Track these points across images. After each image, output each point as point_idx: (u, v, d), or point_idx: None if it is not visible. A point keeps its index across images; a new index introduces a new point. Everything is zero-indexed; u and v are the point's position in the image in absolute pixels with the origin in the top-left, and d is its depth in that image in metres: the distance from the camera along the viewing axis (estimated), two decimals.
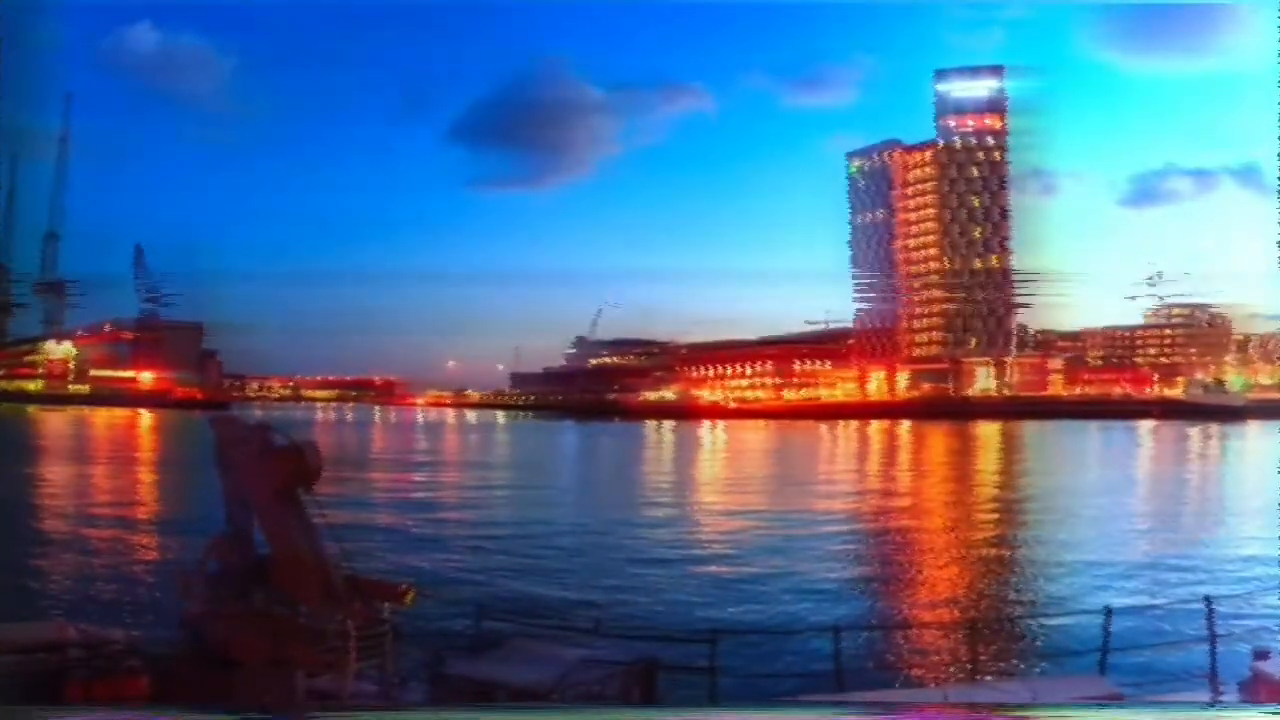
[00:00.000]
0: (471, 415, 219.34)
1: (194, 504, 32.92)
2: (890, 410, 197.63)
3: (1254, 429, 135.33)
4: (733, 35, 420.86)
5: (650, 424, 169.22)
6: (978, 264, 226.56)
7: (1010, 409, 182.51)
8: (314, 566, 11.61)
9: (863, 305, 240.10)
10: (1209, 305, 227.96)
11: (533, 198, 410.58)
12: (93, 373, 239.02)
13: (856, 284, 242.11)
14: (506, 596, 24.94)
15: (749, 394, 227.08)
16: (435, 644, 13.42)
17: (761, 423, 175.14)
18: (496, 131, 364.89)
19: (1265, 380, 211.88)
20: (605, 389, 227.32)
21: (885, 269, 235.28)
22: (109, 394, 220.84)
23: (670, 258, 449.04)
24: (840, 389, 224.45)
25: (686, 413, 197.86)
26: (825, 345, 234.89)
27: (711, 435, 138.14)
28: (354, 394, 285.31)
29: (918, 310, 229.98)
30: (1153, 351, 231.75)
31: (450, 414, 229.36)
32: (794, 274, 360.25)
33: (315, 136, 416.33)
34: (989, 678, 17.06)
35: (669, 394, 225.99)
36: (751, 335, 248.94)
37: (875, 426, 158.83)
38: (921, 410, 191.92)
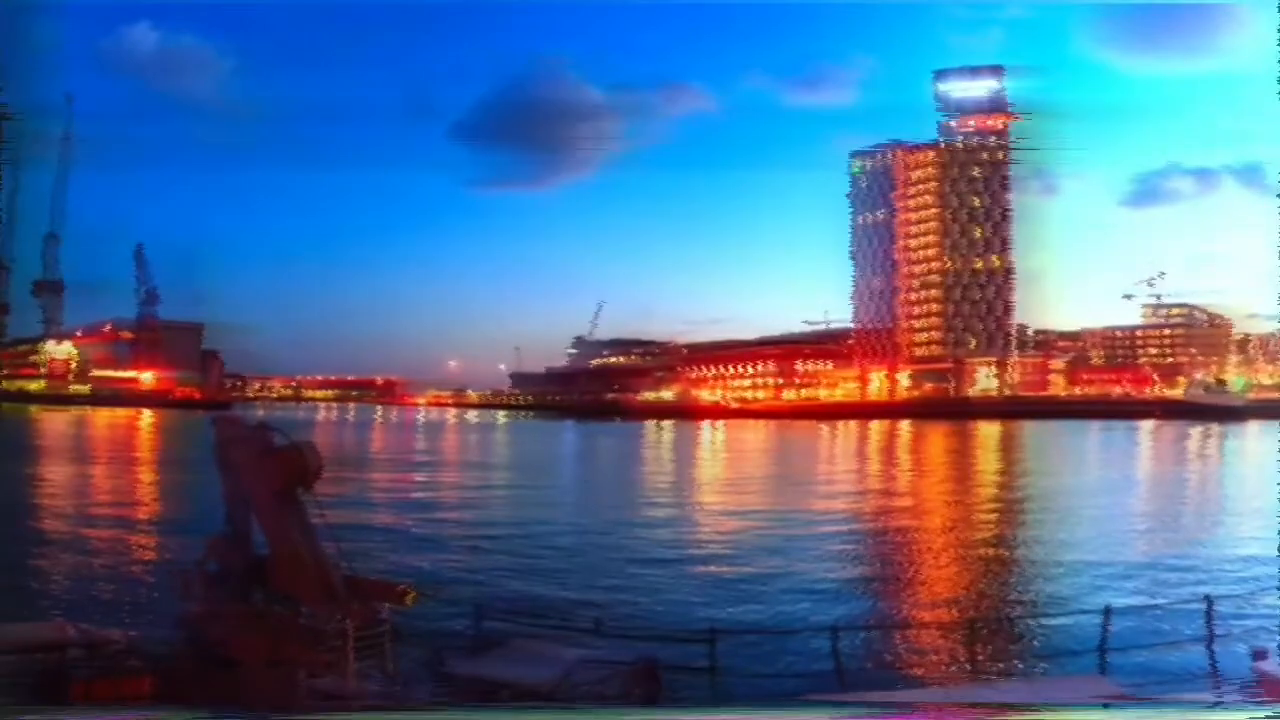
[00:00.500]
0: (472, 415, 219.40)
1: (194, 504, 32.94)
2: (890, 410, 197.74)
3: (1254, 429, 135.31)
4: (733, 35, 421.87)
5: (650, 424, 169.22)
6: (978, 264, 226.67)
7: (1010, 409, 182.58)
8: (314, 566, 11.62)
9: (863, 305, 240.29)
10: (1208, 305, 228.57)
11: (534, 197, 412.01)
12: (93, 373, 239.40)
13: (856, 284, 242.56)
14: (507, 596, 24.93)
15: (749, 394, 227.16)
16: (435, 644, 13.42)
17: (762, 423, 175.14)
18: (498, 132, 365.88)
19: (1266, 380, 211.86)
20: (605, 389, 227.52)
21: (886, 269, 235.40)
22: (110, 394, 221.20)
23: (670, 258, 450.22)
24: (841, 389, 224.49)
25: (687, 413, 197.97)
26: (826, 345, 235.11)
27: (712, 435, 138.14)
28: (355, 394, 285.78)
29: (918, 310, 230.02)
30: (1153, 351, 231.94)
31: (451, 414, 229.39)
32: (794, 274, 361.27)
33: (316, 137, 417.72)
34: (989, 678, 17.05)
35: (669, 394, 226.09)
36: (752, 335, 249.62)
37: (875, 426, 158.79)
38: (922, 410, 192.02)
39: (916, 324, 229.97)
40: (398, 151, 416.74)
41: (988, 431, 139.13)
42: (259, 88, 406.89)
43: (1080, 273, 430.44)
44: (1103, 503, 52.48)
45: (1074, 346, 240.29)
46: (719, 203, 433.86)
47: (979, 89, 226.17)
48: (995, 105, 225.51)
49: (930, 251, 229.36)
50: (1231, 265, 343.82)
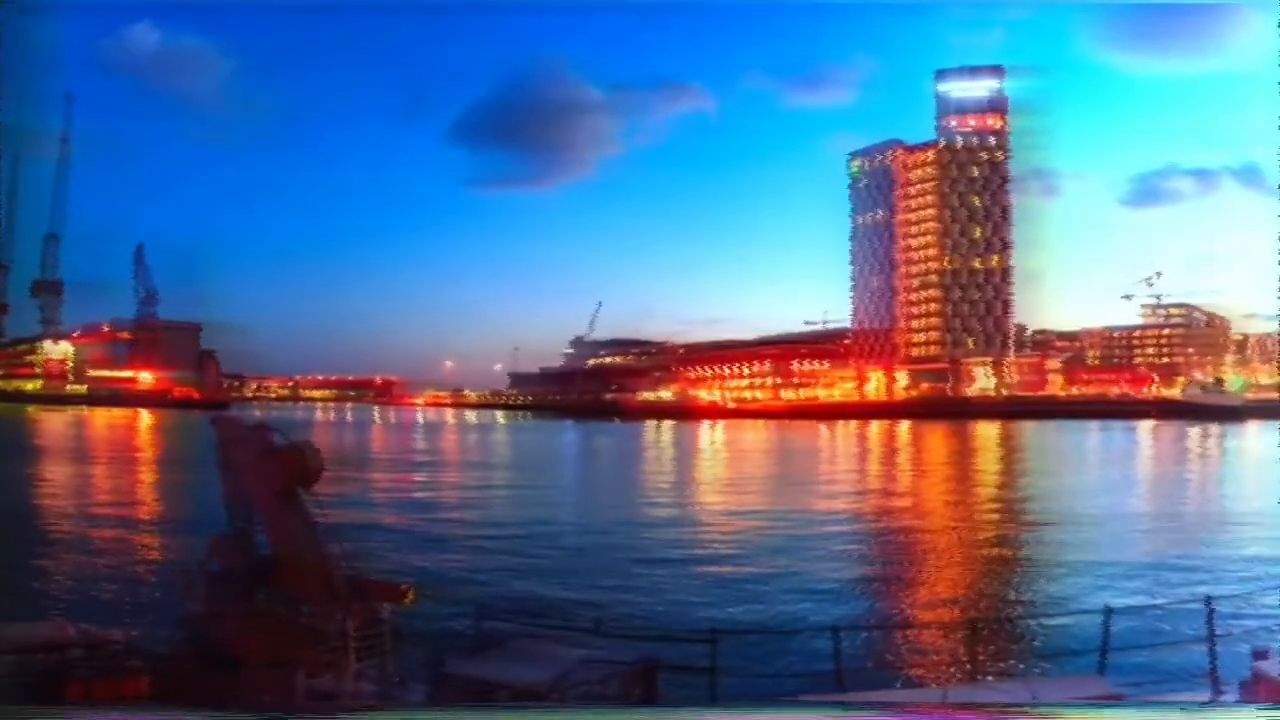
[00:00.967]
0: (471, 415, 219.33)
1: (193, 504, 32.94)
2: (889, 410, 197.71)
3: (1253, 429, 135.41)
4: (733, 35, 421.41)
5: (649, 424, 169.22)
6: (978, 264, 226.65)
7: (1009, 409, 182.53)
8: (315, 566, 11.62)
9: (862, 305, 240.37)
10: (1207, 305, 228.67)
11: (533, 198, 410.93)
12: (91, 373, 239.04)
13: (855, 284, 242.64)
14: (507, 596, 24.93)
15: (747, 394, 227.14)
16: (435, 644, 13.41)
17: (760, 423, 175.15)
18: (497, 131, 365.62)
19: (1264, 380, 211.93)
20: (604, 389, 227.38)
21: (885, 269, 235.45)
22: (107, 394, 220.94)
23: (669, 257, 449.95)
24: (839, 389, 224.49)
25: (685, 413, 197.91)
26: (824, 345, 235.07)
27: (710, 435, 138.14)
28: (353, 394, 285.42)
29: (917, 310, 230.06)
30: (1151, 351, 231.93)
31: (449, 414, 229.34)
32: (793, 274, 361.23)
33: (316, 137, 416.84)
34: (989, 678, 17.05)
35: (668, 394, 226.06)
36: (750, 335, 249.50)
37: (874, 427, 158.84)
38: (920, 410, 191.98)
39: (915, 324, 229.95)
40: (398, 151, 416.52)
41: (986, 432, 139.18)
42: (259, 88, 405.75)
43: (1079, 273, 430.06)
44: (1103, 503, 52.52)
45: (1072, 346, 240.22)
46: (718, 203, 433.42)
47: (979, 89, 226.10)
48: (995, 105, 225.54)
49: (929, 251, 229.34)
50: (1231, 265, 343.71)
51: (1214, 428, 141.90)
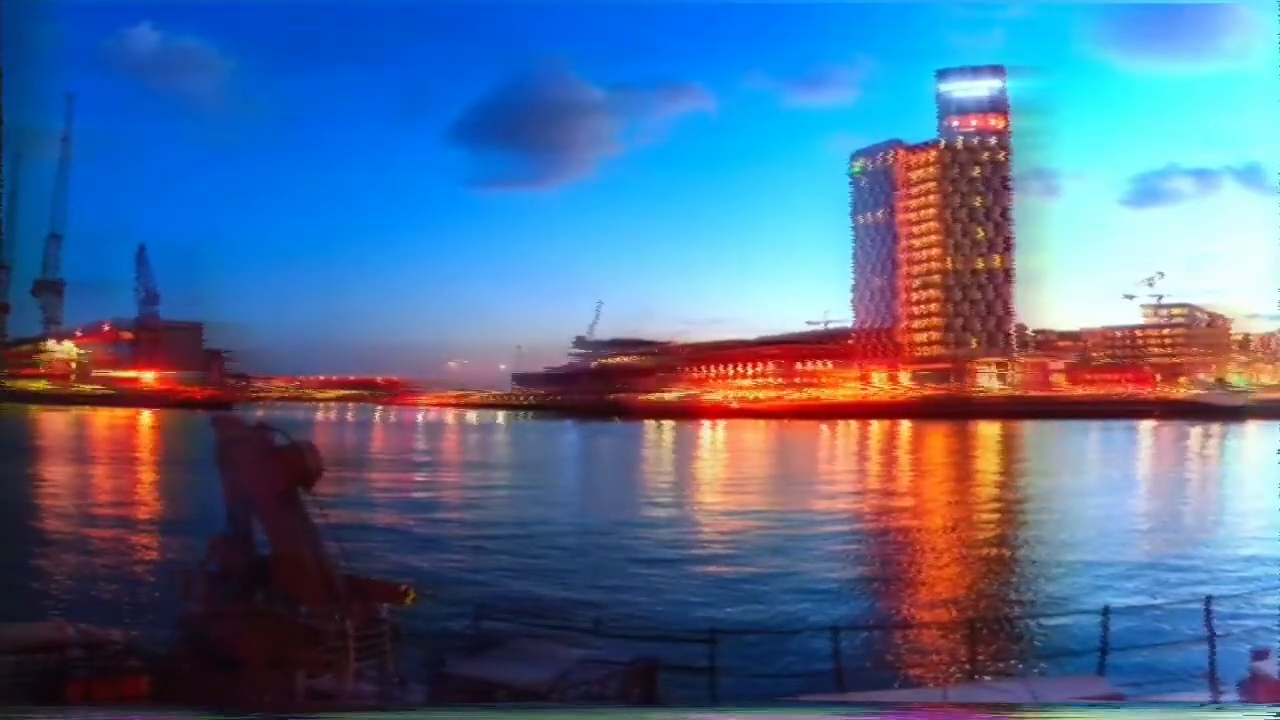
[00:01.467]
0: (472, 415, 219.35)
1: (194, 504, 32.97)
2: (891, 410, 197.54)
3: (1254, 429, 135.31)
4: (733, 35, 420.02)
5: (651, 424, 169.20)
6: (980, 264, 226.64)
7: (1011, 409, 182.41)
8: (315, 567, 11.62)
9: (864, 305, 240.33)
10: (1209, 305, 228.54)
11: (534, 198, 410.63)
12: (94, 373, 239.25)
13: (857, 284, 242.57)
14: (507, 596, 24.95)
15: (750, 394, 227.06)
16: (435, 644, 13.42)
17: (762, 423, 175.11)
18: (497, 132, 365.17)
19: (1267, 380, 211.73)
20: (606, 389, 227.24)
21: (887, 269, 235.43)
22: (111, 394, 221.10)
23: (671, 257, 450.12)
24: (841, 389, 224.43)
25: (688, 413, 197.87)
26: (826, 345, 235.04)
27: (713, 435, 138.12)
28: (356, 394, 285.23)
29: (919, 310, 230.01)
30: (1153, 351, 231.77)
31: (451, 414, 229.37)
32: (795, 274, 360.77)
33: (316, 137, 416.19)
34: (989, 678, 17.05)
35: (670, 394, 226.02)
36: (752, 335, 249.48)
37: (876, 426, 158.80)
38: (923, 410, 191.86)
39: (917, 324, 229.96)
40: (398, 151, 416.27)
41: (988, 431, 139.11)
42: (259, 88, 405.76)
43: (1081, 273, 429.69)
44: (1103, 502, 52.52)
45: (1075, 346, 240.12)
46: (719, 202, 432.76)
47: (980, 89, 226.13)
48: (996, 105, 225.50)
49: (931, 251, 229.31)
50: (1232, 265, 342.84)
51: (1216, 427, 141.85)
